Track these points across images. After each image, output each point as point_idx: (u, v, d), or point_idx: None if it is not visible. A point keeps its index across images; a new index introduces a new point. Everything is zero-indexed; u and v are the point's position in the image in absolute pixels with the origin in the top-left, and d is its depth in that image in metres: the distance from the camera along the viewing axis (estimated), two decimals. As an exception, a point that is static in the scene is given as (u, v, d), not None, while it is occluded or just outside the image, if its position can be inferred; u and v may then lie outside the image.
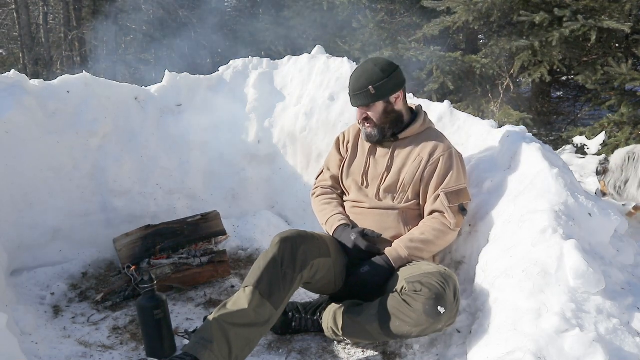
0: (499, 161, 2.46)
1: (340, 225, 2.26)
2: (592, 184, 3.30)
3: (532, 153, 2.29)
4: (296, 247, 1.99)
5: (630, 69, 4.26)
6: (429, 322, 1.85)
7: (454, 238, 2.25)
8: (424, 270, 1.97)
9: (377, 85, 2.20)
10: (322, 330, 2.20)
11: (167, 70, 3.52)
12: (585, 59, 4.78)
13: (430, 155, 2.25)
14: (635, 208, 3.12)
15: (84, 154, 3.02)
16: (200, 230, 2.88)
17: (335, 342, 2.22)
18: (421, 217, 2.28)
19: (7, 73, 2.93)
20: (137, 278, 2.57)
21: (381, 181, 2.30)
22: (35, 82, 3.00)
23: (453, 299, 1.88)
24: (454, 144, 2.44)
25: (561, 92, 6.78)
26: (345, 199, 2.43)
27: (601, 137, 4.26)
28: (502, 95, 5.18)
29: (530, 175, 2.21)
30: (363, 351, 2.16)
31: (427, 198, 2.25)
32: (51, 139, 2.91)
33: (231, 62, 3.74)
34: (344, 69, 3.39)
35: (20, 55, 10.79)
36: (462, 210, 2.20)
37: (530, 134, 2.53)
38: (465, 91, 5.35)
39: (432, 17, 5.07)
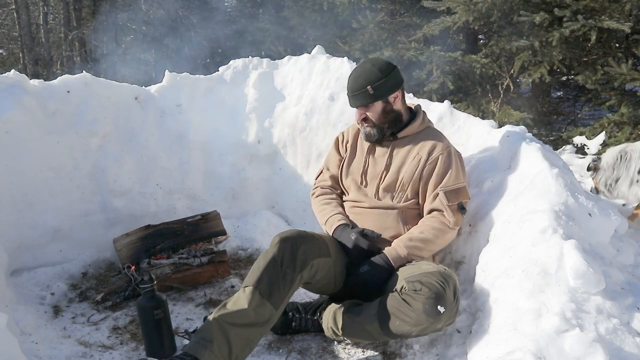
0: (499, 161, 2.46)
1: (340, 225, 2.26)
2: (589, 183, 3.33)
3: (532, 153, 2.29)
4: (296, 247, 1.99)
5: (630, 69, 4.26)
6: (428, 322, 1.85)
7: (453, 237, 2.25)
8: (423, 269, 1.97)
9: (375, 85, 2.20)
10: (322, 330, 2.20)
11: (167, 70, 3.52)
12: (585, 59, 4.78)
13: (429, 154, 2.25)
14: (638, 207, 3.13)
15: (84, 154, 3.02)
16: (200, 230, 2.88)
17: (335, 342, 2.22)
18: (420, 216, 2.28)
19: (7, 73, 2.93)
20: (137, 278, 2.57)
21: (380, 180, 2.30)
22: (35, 82, 3.00)
23: (453, 299, 1.88)
24: (454, 144, 2.44)
25: (561, 92, 6.78)
26: (344, 198, 2.43)
27: (601, 137, 4.26)
28: (502, 95, 5.18)
29: (530, 175, 2.21)
30: (363, 351, 2.16)
31: (426, 197, 2.25)
32: (51, 139, 2.91)
33: (231, 62, 3.74)
34: (344, 69, 3.39)
35: (20, 55, 10.80)
36: (461, 208, 2.20)
37: (530, 134, 2.53)
38: (465, 91, 5.36)
39: (432, 17, 5.07)
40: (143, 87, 3.42)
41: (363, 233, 2.19)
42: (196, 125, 3.39)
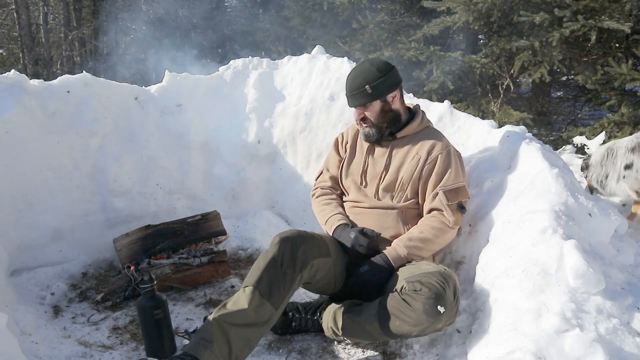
0: (499, 161, 2.46)
1: (340, 224, 2.26)
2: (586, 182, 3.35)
3: (532, 153, 2.29)
4: (296, 247, 1.99)
5: (630, 69, 4.26)
6: (428, 322, 1.85)
7: (453, 236, 2.25)
8: (423, 269, 1.97)
9: (373, 85, 2.21)
10: (322, 330, 2.20)
11: (167, 70, 3.52)
12: (585, 59, 4.78)
13: (429, 153, 2.25)
14: (637, 204, 3.14)
15: (84, 154, 3.02)
16: (200, 230, 2.88)
17: (335, 342, 2.22)
18: (420, 216, 2.28)
19: (7, 73, 2.93)
20: (137, 278, 2.57)
21: (380, 180, 2.30)
22: (35, 82, 3.00)
23: (453, 299, 1.88)
24: (454, 144, 2.44)
25: (561, 92, 6.78)
26: (344, 199, 2.43)
27: (601, 137, 4.25)
28: (502, 95, 5.18)
29: (530, 175, 2.21)
30: (363, 351, 2.16)
31: (426, 196, 2.25)
32: (51, 139, 2.91)
33: (231, 62, 3.74)
34: (344, 69, 3.39)
35: (20, 55, 10.80)
36: (461, 208, 2.20)
37: (530, 134, 2.53)
38: (465, 91, 5.36)
39: (432, 17, 5.07)
40: (143, 87, 3.42)
41: (363, 232, 2.19)
42: (196, 125, 3.39)
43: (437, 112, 2.93)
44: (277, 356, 2.15)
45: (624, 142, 3.02)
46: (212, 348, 1.79)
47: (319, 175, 2.56)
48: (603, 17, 4.25)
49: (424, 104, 2.98)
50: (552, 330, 1.59)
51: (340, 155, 2.47)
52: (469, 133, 2.81)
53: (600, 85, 4.67)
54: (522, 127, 2.62)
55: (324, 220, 2.35)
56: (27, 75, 3.07)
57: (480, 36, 6.10)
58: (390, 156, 2.31)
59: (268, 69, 3.67)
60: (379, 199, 2.30)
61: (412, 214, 2.27)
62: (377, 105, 2.25)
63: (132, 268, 2.64)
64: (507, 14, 4.78)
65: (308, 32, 6.83)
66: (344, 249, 2.21)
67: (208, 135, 3.40)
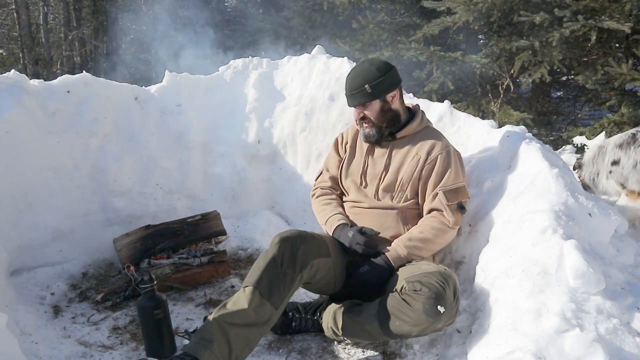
0: (499, 161, 2.46)
1: (340, 224, 2.26)
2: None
3: (532, 153, 2.29)
4: (296, 247, 1.99)
5: (630, 69, 4.26)
6: (428, 322, 1.85)
7: (453, 236, 2.25)
8: (423, 269, 1.97)
9: (373, 84, 2.21)
10: (322, 330, 2.20)
11: (167, 70, 3.52)
12: (585, 59, 4.78)
13: (428, 153, 2.25)
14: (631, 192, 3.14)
15: (84, 154, 3.02)
16: (200, 230, 2.88)
17: (335, 342, 2.22)
18: (420, 216, 2.27)
19: (7, 73, 2.93)
20: (137, 278, 2.57)
21: (380, 181, 2.30)
22: (35, 82, 3.00)
23: (453, 299, 1.88)
24: (454, 144, 2.44)
25: (561, 92, 6.78)
26: (344, 199, 2.43)
27: (601, 137, 4.25)
28: (502, 95, 5.18)
29: (530, 175, 2.21)
30: (363, 351, 2.16)
31: (426, 196, 2.25)
32: (51, 139, 2.91)
33: (231, 62, 3.74)
34: (344, 69, 3.39)
35: (20, 55, 10.79)
36: (461, 208, 2.20)
37: (530, 134, 2.53)
38: (465, 91, 5.36)
39: (432, 17, 5.07)
40: (143, 87, 3.42)
41: (361, 231, 2.19)
42: (196, 125, 3.39)
43: (437, 112, 2.93)
44: (277, 356, 2.15)
45: (614, 139, 3.05)
46: (212, 348, 1.79)
47: (319, 176, 2.56)
48: (603, 17, 4.25)
49: (424, 104, 2.98)
50: (552, 330, 1.59)
51: (340, 156, 2.47)
52: (469, 133, 2.81)
53: (600, 85, 4.66)
54: (522, 127, 2.62)
55: (324, 220, 2.35)
56: (27, 75, 3.07)
57: (480, 36, 6.10)
58: (390, 156, 2.31)
59: (268, 69, 3.67)
60: (378, 199, 2.30)
61: (412, 214, 2.27)
62: (376, 104, 2.25)
63: (132, 268, 2.64)
64: (507, 14, 4.78)
65: (308, 32, 6.83)
66: (344, 248, 2.21)
67: (208, 135, 3.40)
